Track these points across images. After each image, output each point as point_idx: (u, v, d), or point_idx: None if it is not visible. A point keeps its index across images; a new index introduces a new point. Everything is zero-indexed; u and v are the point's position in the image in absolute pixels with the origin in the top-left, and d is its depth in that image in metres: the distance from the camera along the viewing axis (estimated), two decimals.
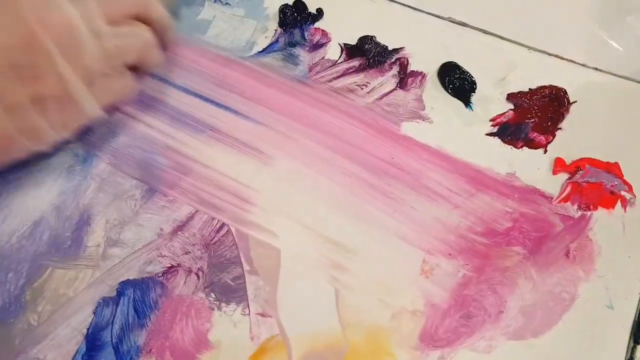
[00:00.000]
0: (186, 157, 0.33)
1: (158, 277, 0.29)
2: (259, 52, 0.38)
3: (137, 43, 0.30)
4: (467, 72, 0.37)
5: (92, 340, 0.27)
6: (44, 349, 0.27)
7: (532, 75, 0.37)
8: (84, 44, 0.28)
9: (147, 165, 0.32)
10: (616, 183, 0.32)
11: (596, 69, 0.37)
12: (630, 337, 0.28)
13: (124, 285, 0.28)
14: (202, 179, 0.32)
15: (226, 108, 0.35)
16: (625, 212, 0.31)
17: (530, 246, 0.30)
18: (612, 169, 0.32)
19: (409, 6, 0.40)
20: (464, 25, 0.39)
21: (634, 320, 0.28)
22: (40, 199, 0.31)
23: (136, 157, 0.33)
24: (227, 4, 0.40)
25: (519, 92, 0.36)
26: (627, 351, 0.28)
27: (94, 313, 0.28)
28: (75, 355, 0.27)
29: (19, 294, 0.28)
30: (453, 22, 0.39)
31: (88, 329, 0.27)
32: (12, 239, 0.30)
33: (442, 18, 0.40)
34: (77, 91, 0.28)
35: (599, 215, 0.31)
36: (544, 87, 0.36)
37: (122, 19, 0.29)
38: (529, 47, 0.38)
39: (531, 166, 0.33)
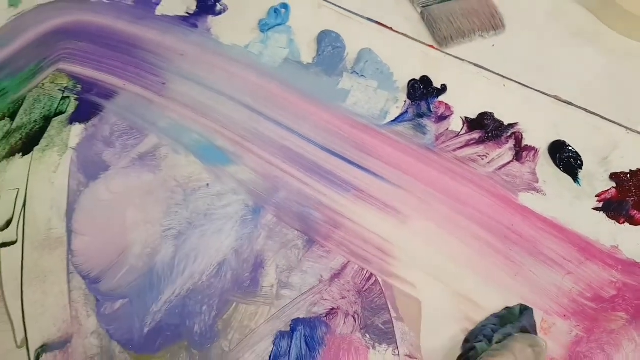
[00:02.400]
0: (336, 213, 0.39)
1: (322, 317, 0.35)
2: (392, 121, 0.44)
3: None
4: (575, 150, 0.42)
5: None
6: None
7: (632, 156, 0.42)
8: None
9: (304, 218, 0.39)
10: None
11: None
12: None
13: (296, 323, 0.35)
14: (351, 232, 0.39)
15: (367, 170, 0.41)
16: None
17: (632, 312, 0.36)
18: None
19: (519, 83, 0.46)
20: (569, 104, 0.45)
21: None
22: (220, 243, 0.38)
23: (295, 210, 0.39)
24: (362, 76, 0.46)
25: (621, 172, 0.41)
26: None
27: (273, 344, 0.34)
28: None
29: (212, 324, 0.35)
30: (560, 100, 0.45)
31: (270, 357, 0.34)
32: (202, 277, 0.36)
33: (549, 96, 0.45)
34: None
35: None
36: None
37: None
38: (628, 129, 0.44)
39: (632, 241, 0.38)
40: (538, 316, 0.35)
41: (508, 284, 0.36)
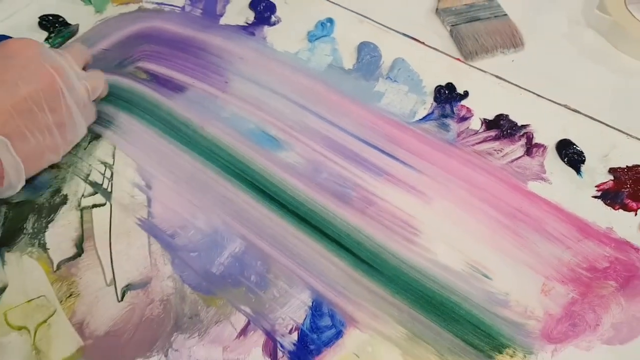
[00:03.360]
0: (369, 193, 0.47)
1: None
2: (420, 119, 0.51)
3: (100, 83, 0.46)
4: (579, 148, 0.49)
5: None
6: (284, 313, 0.41)
7: (629, 155, 0.49)
8: (75, 83, 0.42)
9: (342, 196, 0.46)
10: None
11: None
12: None
13: None
14: (382, 209, 0.46)
15: (396, 159, 0.49)
16: None
17: (621, 282, 0.42)
18: None
19: (534, 92, 0.53)
20: (577, 112, 0.52)
21: None
22: None
23: (334, 189, 0.46)
24: (395, 81, 0.54)
25: (618, 167, 0.48)
26: None
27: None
28: (305, 318, 0.41)
29: (264, 275, 0.42)
30: (568, 108, 0.52)
31: (312, 302, 0.41)
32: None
33: (560, 104, 0.52)
34: (77, 117, 0.43)
35: None
36: (638, 165, 0.48)
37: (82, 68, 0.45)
38: (628, 134, 0.50)
39: (625, 224, 0.45)
40: (539, 281, 0.42)
41: (515, 254, 0.43)
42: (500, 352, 0.39)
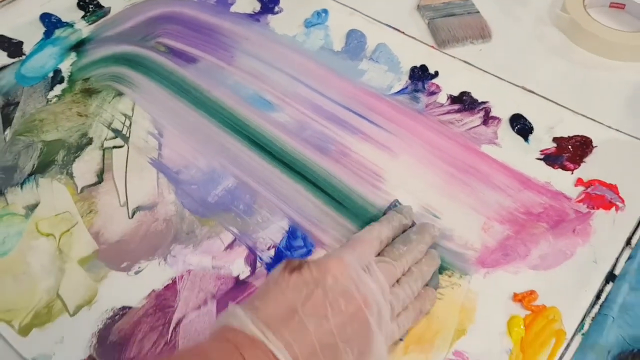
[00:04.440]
0: (345, 147, 0.55)
1: None
2: (395, 92, 0.60)
3: (417, 317, 0.41)
4: (529, 121, 0.57)
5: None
6: (264, 235, 0.49)
7: (572, 128, 0.56)
8: (384, 313, 0.36)
9: (322, 149, 0.55)
10: (613, 197, 0.51)
11: (618, 130, 0.57)
12: (604, 279, 0.47)
13: None
14: (354, 160, 0.54)
15: (371, 122, 0.57)
16: (616, 213, 0.50)
17: (552, 223, 0.49)
18: (613, 188, 0.52)
19: (495, 76, 0.62)
20: (531, 92, 0.60)
21: (608, 271, 0.47)
22: None
23: (316, 143, 0.55)
24: (376, 62, 0.63)
25: (561, 137, 0.56)
26: (600, 286, 0.46)
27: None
28: (282, 239, 0.49)
29: (251, 205, 0.51)
30: (525, 89, 0.60)
31: (289, 229, 0.49)
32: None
33: (517, 86, 0.61)
34: (381, 350, 0.36)
35: (599, 213, 0.50)
36: (578, 135, 0.56)
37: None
38: (574, 111, 0.58)
39: (561, 180, 0.52)
40: (481, 221, 0.50)
41: (463, 200, 0.51)
42: (440, 273, 0.46)
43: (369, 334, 0.35)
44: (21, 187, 0.51)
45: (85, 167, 0.53)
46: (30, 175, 0.52)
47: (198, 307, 0.44)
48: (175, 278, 0.46)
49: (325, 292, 0.34)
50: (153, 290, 0.45)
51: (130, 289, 0.45)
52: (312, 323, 0.33)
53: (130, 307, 0.44)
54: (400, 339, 0.41)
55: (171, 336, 0.43)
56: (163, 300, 0.44)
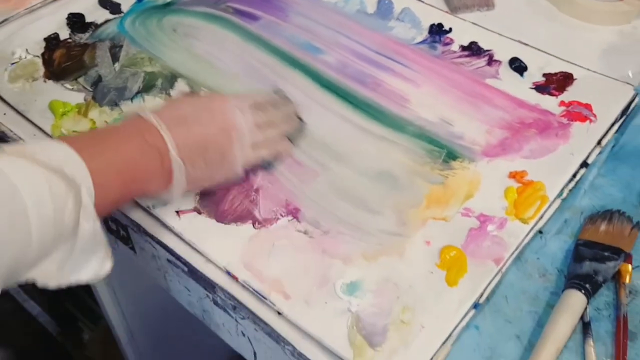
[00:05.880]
0: (380, 80, 0.71)
1: None
2: (417, 42, 0.76)
3: (272, 155, 0.57)
4: (524, 62, 0.73)
5: None
6: None
7: (559, 68, 0.72)
8: (245, 140, 0.53)
9: (361, 81, 0.71)
10: (588, 113, 0.66)
11: (593, 71, 0.72)
12: (579, 165, 0.62)
13: None
14: (386, 89, 0.70)
15: (399, 63, 0.73)
16: (590, 124, 0.66)
17: (539, 130, 0.65)
18: (588, 107, 0.67)
19: (498, 33, 0.77)
20: (526, 45, 0.76)
21: (583, 160, 0.62)
22: None
23: (356, 77, 0.71)
24: (402, 21, 0.79)
25: (549, 72, 0.72)
26: (575, 170, 0.61)
27: None
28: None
29: None
30: (521, 43, 0.76)
31: None
32: None
33: (514, 40, 0.77)
34: (237, 163, 0.54)
35: (577, 124, 0.65)
36: (563, 72, 0.72)
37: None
38: (560, 58, 0.74)
39: (549, 103, 0.68)
40: (485, 128, 0.65)
41: (471, 114, 0.66)
42: (454, 159, 0.62)
43: (231, 147, 0.52)
44: (131, 101, 0.67)
45: (178, 88, 0.69)
46: (137, 93, 0.68)
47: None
48: None
49: (208, 111, 0.51)
50: None
51: None
52: (193, 127, 0.49)
53: None
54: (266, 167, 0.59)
55: (253, 198, 0.58)
56: (247, 171, 0.59)
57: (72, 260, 0.43)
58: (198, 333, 1.05)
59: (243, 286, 0.51)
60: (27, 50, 0.72)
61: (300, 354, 0.48)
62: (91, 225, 0.43)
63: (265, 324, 0.50)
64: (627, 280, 0.52)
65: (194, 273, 0.53)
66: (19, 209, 0.36)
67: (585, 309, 0.50)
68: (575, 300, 0.49)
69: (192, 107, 0.52)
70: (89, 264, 0.44)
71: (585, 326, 0.49)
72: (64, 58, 0.71)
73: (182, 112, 0.51)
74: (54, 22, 0.77)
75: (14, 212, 0.36)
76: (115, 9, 0.79)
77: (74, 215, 0.41)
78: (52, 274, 0.41)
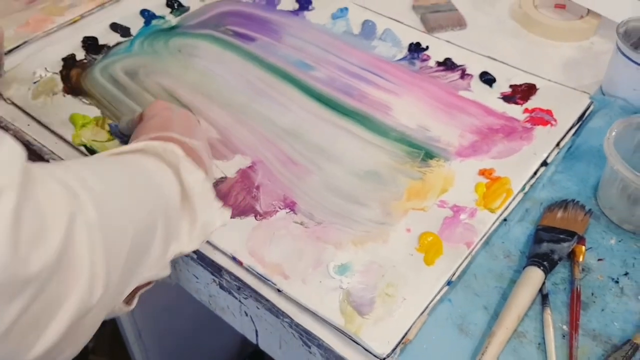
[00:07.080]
0: (365, 92, 0.80)
1: None
2: (397, 59, 0.85)
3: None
4: (493, 75, 0.82)
5: None
6: None
7: (524, 80, 0.81)
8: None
9: (347, 93, 0.79)
10: (549, 118, 0.75)
11: (554, 82, 0.81)
12: (540, 164, 0.70)
13: None
14: (371, 100, 0.79)
15: (381, 77, 0.82)
16: (551, 128, 0.74)
17: (506, 135, 0.74)
18: (549, 112, 0.76)
19: (469, 49, 0.87)
20: (495, 60, 0.85)
21: (543, 159, 0.71)
22: None
23: (342, 90, 0.80)
24: (384, 40, 0.88)
25: (515, 84, 0.81)
26: (536, 168, 0.70)
27: None
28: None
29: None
30: (491, 58, 0.86)
31: None
32: None
33: (484, 55, 0.86)
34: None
35: (539, 128, 0.74)
36: (527, 83, 0.81)
37: None
38: (525, 71, 0.83)
39: (514, 111, 0.77)
40: (458, 132, 0.74)
41: (446, 121, 0.75)
42: (431, 159, 0.70)
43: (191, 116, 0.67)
44: None
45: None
46: None
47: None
48: (254, 161, 0.69)
49: (168, 110, 0.65)
50: (240, 168, 0.69)
51: (228, 166, 0.69)
52: (198, 133, 0.62)
53: (226, 177, 0.68)
54: None
55: (254, 194, 0.66)
56: (248, 171, 0.68)
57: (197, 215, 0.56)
58: (204, 334, 1.12)
59: (247, 270, 0.59)
60: (46, 68, 0.80)
61: (298, 324, 0.55)
62: (196, 176, 0.57)
63: (267, 300, 0.57)
64: (581, 259, 0.60)
65: (202, 259, 0.61)
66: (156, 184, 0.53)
67: (544, 283, 0.57)
68: (534, 275, 0.57)
69: (186, 118, 0.65)
70: (213, 212, 0.60)
71: (544, 298, 0.57)
72: (81, 76, 0.79)
73: (161, 120, 0.62)
74: (70, 45, 0.85)
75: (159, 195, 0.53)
76: (125, 32, 0.87)
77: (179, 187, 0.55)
78: (186, 236, 0.55)
